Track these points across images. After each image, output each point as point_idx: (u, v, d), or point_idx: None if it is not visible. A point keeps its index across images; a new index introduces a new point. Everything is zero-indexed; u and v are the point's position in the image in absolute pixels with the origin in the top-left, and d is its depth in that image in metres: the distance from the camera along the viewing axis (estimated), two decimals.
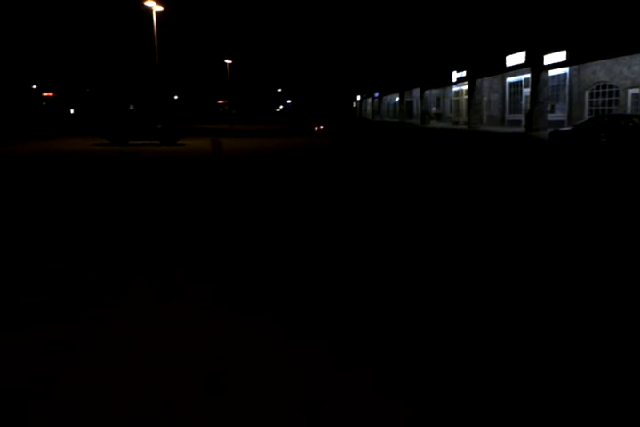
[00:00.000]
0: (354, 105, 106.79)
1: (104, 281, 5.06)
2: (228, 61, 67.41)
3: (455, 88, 50.22)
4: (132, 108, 79.51)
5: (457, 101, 50.45)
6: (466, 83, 44.08)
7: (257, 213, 8.54)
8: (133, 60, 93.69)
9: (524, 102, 37.26)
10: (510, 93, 39.96)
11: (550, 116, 33.55)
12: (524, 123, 35.45)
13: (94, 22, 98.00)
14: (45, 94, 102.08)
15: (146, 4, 32.34)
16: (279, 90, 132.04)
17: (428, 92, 55.93)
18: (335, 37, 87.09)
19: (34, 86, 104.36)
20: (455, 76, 44.65)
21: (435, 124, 52.51)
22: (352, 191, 10.78)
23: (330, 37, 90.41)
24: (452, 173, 13.52)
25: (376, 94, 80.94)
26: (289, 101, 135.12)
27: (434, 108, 59.49)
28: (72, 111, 79.71)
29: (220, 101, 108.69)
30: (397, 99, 69.51)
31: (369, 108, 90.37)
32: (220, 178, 11.98)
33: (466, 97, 45.73)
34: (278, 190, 10.84)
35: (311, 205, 9.13)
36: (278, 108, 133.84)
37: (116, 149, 22.20)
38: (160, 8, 33.08)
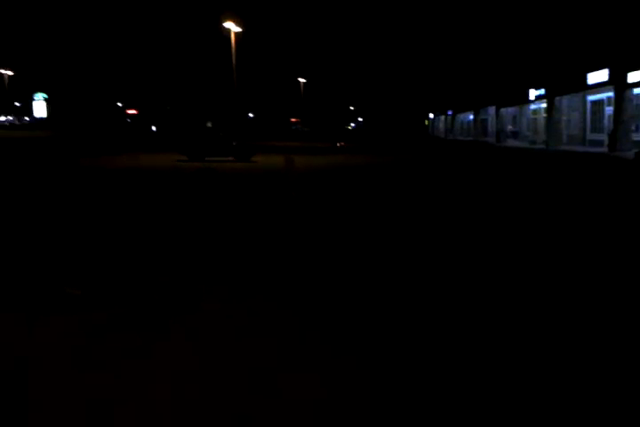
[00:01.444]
0: (426, 123, 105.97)
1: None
2: (301, 80, 68.80)
3: (533, 106, 48.83)
4: (209, 125, 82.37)
5: (535, 120, 49.01)
6: (544, 101, 42.80)
7: (316, 224, 8.58)
8: (212, 78, 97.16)
9: (606, 121, 35.70)
10: (592, 112, 38.41)
11: (635, 136, 31.96)
12: (606, 142, 33.93)
13: (175, 43, 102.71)
14: (130, 112, 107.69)
15: (225, 25, 33.61)
16: (351, 108, 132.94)
17: (503, 109, 54.71)
18: (409, 55, 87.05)
19: (119, 104, 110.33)
20: (533, 93, 43.47)
21: (511, 142, 51.18)
22: (402, 211, 10.63)
23: (403, 55, 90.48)
24: (530, 198, 13.05)
25: (449, 112, 79.96)
26: (360, 119, 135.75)
27: (510, 127, 58.05)
28: (154, 128, 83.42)
29: (293, 119, 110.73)
30: (471, 117, 68.35)
31: (442, 125, 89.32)
32: (291, 193, 12.17)
33: (544, 115, 44.35)
34: (337, 204, 10.94)
35: (361, 222, 9.08)
36: (350, 125, 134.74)
37: (194, 165, 23.03)
38: (238, 29, 34.26)
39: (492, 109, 59.89)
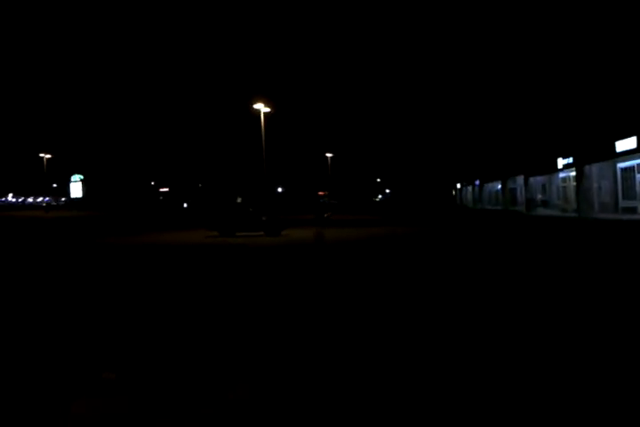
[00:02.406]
0: (453, 193, 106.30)
1: None
2: (329, 155, 70.32)
3: (562, 174, 48.70)
4: (239, 200, 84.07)
5: (564, 188, 48.68)
6: (573, 169, 42.68)
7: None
8: (242, 155, 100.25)
9: (638, 188, 35.18)
10: (623, 179, 38.00)
11: None
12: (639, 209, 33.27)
13: (206, 123, 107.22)
14: (162, 190, 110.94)
15: (255, 106, 35.00)
16: (378, 180, 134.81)
17: (532, 178, 54.64)
18: (435, 126, 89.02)
19: (152, 182, 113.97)
20: (561, 162, 43.46)
21: (541, 211, 50.63)
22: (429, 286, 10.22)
23: (429, 126, 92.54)
24: (572, 270, 12.52)
25: (477, 182, 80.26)
26: (388, 191, 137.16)
27: (539, 196, 57.69)
28: (185, 205, 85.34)
29: (321, 193, 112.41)
30: (499, 186, 68.35)
31: (469, 195, 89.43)
32: (320, 265, 11.93)
33: (574, 183, 44.05)
34: (360, 272, 10.66)
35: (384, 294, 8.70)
36: (377, 197, 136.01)
37: (225, 240, 23.09)
38: (267, 109, 35.59)
39: (520, 179, 59.90)
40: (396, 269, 12.89)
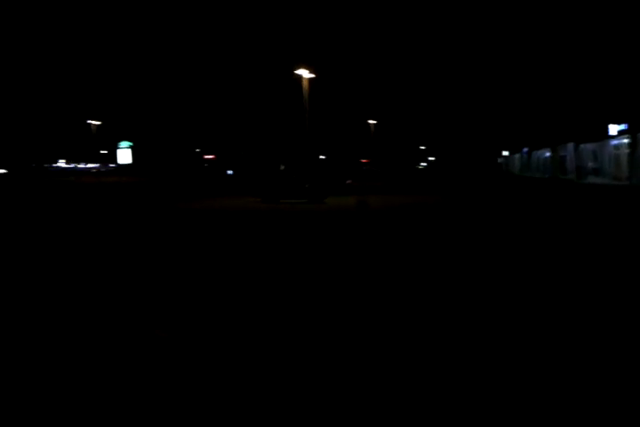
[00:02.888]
0: (499, 160, 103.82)
1: None
2: (371, 122, 69.51)
3: (615, 141, 46.85)
4: (282, 167, 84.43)
5: (617, 155, 46.89)
6: (627, 136, 41.00)
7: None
8: (285, 123, 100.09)
9: None
10: None
11: None
12: None
13: (250, 91, 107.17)
14: (207, 157, 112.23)
15: (297, 71, 34.73)
16: (422, 147, 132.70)
17: (582, 145, 52.79)
18: (483, 92, 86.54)
19: (198, 150, 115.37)
20: (614, 129, 41.81)
21: (592, 179, 49.04)
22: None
23: (475, 93, 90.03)
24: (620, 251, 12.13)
25: (525, 150, 78.04)
26: (432, 158, 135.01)
27: (590, 163, 55.76)
28: (230, 172, 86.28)
29: (364, 160, 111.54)
30: (548, 153, 66.34)
31: (517, 163, 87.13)
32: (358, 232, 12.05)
33: (627, 151, 42.38)
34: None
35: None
36: (421, 165, 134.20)
37: (270, 206, 23.52)
38: (310, 75, 35.26)
39: (570, 146, 57.93)
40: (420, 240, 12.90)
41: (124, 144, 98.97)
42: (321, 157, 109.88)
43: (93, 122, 79.29)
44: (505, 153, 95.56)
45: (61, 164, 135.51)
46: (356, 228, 15.02)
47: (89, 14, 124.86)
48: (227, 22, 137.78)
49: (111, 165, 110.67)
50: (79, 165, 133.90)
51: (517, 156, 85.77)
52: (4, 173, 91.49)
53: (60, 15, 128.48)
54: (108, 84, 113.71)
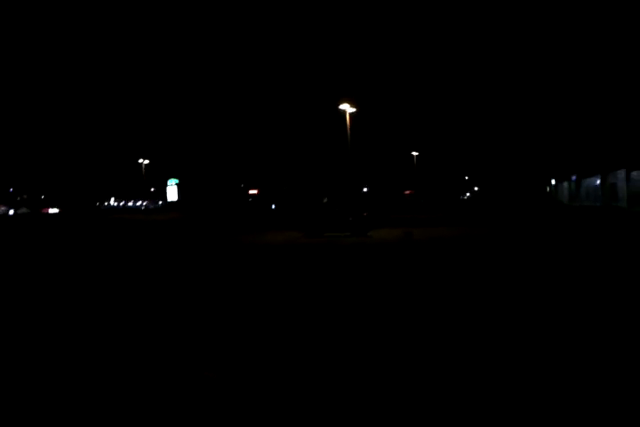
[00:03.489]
0: (547, 189, 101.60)
1: None
2: (414, 153, 69.41)
3: None
4: (325, 201, 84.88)
5: None
6: None
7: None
8: (327, 156, 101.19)
9: None
10: None
11: None
12: None
13: (291, 125, 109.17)
14: (251, 192, 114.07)
15: (340, 106, 35.21)
16: (466, 177, 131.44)
17: (635, 172, 51.17)
18: (525, 122, 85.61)
19: (242, 185, 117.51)
20: None
21: None
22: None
23: (519, 123, 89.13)
24: None
25: (573, 177, 76.19)
26: (476, 188, 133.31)
27: None
28: (273, 206, 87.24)
29: (407, 192, 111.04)
30: (598, 181, 64.54)
31: (565, 191, 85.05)
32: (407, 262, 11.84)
33: None
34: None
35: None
36: (465, 195, 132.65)
37: (312, 240, 23.48)
38: (353, 109, 35.68)
39: (622, 172, 56.24)
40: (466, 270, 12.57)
41: (172, 181, 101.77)
42: (364, 189, 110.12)
43: (143, 161, 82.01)
44: (553, 181, 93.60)
45: (112, 202, 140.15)
46: (402, 261, 14.81)
47: (137, 57, 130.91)
48: (269, 57, 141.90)
49: (159, 202, 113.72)
50: (129, 203, 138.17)
51: (566, 184, 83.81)
52: (57, 213, 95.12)
53: (108, 58, 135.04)
54: (157, 124, 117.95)
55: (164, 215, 68.19)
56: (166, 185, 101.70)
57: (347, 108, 34.96)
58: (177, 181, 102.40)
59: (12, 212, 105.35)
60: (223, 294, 10.41)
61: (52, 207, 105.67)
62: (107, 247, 23.41)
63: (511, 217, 39.00)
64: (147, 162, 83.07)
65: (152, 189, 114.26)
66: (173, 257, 18.30)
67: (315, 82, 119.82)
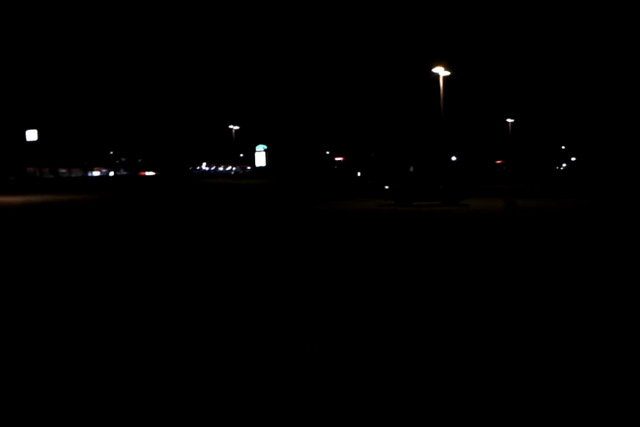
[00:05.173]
0: None
1: None
2: (509, 120, 66.16)
3: None
4: (411, 169, 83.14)
5: None
6: None
7: None
8: (415, 123, 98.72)
9: None
10: None
11: None
12: None
13: (381, 90, 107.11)
14: (337, 159, 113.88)
15: (434, 70, 33.77)
16: (563, 147, 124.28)
17: None
18: (623, 84, 79.11)
19: (328, 152, 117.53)
20: None
21: None
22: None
23: (616, 85, 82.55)
24: None
25: None
26: (573, 159, 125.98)
27: None
28: (359, 174, 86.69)
29: (498, 161, 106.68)
30: None
31: None
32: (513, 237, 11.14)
33: None
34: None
35: None
36: (561, 166, 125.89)
37: (401, 209, 22.95)
38: (447, 73, 34.13)
39: None
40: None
41: (261, 147, 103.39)
42: (452, 157, 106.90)
43: (234, 127, 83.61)
44: None
45: (204, 166, 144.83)
46: (505, 233, 14.05)
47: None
48: (359, 21, 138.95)
49: (248, 168, 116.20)
50: (219, 168, 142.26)
51: None
52: (154, 175, 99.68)
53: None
54: (249, 90, 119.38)
55: (251, 180, 69.60)
56: (255, 151, 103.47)
57: (440, 71, 33.40)
58: (265, 146, 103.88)
59: (112, 173, 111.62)
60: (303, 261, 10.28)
61: (149, 170, 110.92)
62: (195, 209, 24.11)
63: (610, 188, 36.41)
64: (237, 128, 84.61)
65: (241, 155, 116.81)
66: (253, 222, 18.48)
67: (406, 44, 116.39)
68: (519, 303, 6.87)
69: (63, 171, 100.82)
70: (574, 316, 6.32)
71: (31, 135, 79.98)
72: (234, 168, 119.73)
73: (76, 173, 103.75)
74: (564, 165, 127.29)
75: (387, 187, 26.18)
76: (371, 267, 9.50)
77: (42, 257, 11.18)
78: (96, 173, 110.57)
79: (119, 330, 6.00)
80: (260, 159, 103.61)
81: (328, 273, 9.00)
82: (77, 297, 7.55)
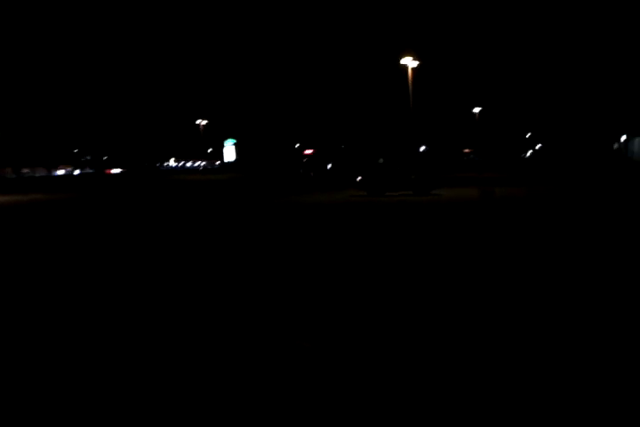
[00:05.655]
0: (615, 146, 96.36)
1: None
2: (476, 110, 66.81)
3: None
4: (381, 161, 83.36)
5: None
6: None
7: None
8: (385, 113, 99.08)
9: None
10: None
11: None
12: None
13: (348, 82, 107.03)
14: (307, 152, 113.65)
15: (403, 60, 33.77)
16: (528, 135, 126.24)
17: None
18: (590, 69, 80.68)
19: (297, 145, 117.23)
20: None
21: None
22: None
23: (584, 70, 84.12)
24: None
25: None
26: (538, 146, 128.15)
27: None
28: (329, 166, 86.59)
29: (466, 150, 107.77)
30: None
31: (637, 148, 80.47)
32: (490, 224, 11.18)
33: None
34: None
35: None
36: (526, 153, 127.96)
37: (373, 199, 22.93)
38: (415, 63, 34.17)
39: None
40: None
41: (229, 142, 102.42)
42: (421, 148, 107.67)
43: (201, 121, 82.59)
44: (623, 137, 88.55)
45: (171, 162, 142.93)
46: (482, 222, 14.14)
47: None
48: (328, 11, 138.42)
49: (217, 163, 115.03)
50: (187, 164, 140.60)
51: (638, 140, 79.15)
52: (120, 173, 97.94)
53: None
54: (215, 83, 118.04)
55: (220, 175, 68.91)
56: (223, 146, 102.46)
57: (409, 61, 33.39)
58: (234, 141, 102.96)
59: (77, 172, 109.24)
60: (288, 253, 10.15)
61: (115, 168, 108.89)
62: (166, 206, 23.68)
63: (573, 176, 37.13)
64: (205, 122, 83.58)
65: (210, 150, 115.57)
66: (225, 215, 18.23)
67: (375, 34, 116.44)
68: (516, 292, 6.87)
69: (26, 170, 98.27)
70: (567, 303, 6.34)
71: None
72: (202, 163, 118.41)
73: (40, 172, 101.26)
74: (530, 151, 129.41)
75: (358, 178, 26.14)
76: (352, 256, 9.42)
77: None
78: (61, 172, 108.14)
79: (104, 322, 5.80)
80: (230, 154, 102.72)
81: (308, 263, 8.88)
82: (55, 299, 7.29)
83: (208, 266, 9.27)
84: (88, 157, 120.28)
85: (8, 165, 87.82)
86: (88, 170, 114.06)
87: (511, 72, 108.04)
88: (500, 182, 30.91)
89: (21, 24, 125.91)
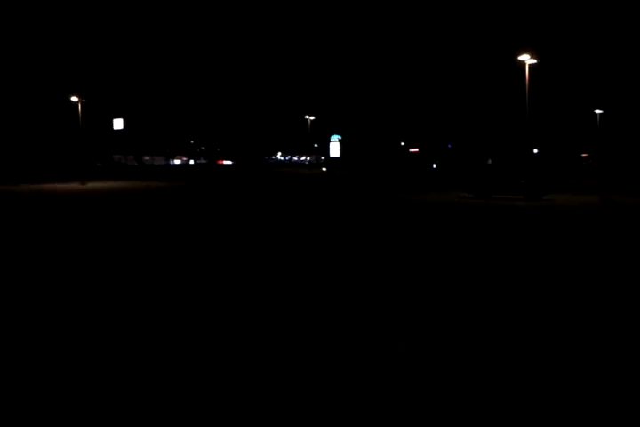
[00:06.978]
0: None
1: None
2: (598, 111, 62.50)
3: None
4: (489, 162, 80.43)
5: None
6: None
7: None
8: (497, 113, 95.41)
9: None
10: None
11: None
12: None
13: (461, 80, 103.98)
14: (412, 150, 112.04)
15: (520, 57, 32.19)
16: None
17: None
18: None
19: (402, 143, 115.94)
20: None
21: None
22: None
23: None
24: None
25: None
26: None
27: None
28: (434, 166, 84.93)
29: (584, 155, 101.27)
30: None
31: None
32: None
33: None
34: None
35: None
36: None
37: (480, 202, 22.12)
38: (533, 61, 32.46)
39: None
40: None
41: (335, 138, 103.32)
42: (534, 150, 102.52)
43: (309, 117, 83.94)
44: None
45: (279, 156, 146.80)
46: (602, 234, 13.18)
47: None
48: (442, 8, 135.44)
49: (322, 158, 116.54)
50: (294, 158, 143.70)
51: None
52: (231, 164, 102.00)
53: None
54: (325, 81, 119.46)
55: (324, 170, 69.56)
56: (329, 141, 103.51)
57: (526, 59, 31.68)
58: (339, 137, 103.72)
59: (192, 162, 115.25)
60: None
61: (227, 159, 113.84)
62: (272, 198, 24.25)
63: None
64: (312, 118, 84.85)
65: (315, 145, 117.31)
66: (346, 211, 18.31)
67: (491, 31, 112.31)
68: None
69: (147, 158, 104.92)
70: None
71: (118, 124, 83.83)
72: (308, 158, 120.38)
73: (159, 160, 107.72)
74: None
75: (463, 179, 25.40)
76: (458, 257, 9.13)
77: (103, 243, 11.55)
78: (177, 162, 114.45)
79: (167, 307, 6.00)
80: (335, 150, 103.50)
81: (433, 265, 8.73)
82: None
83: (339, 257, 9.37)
84: (203, 148, 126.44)
85: (131, 152, 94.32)
86: (202, 160, 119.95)
87: (637, 71, 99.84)
88: (624, 191, 28.65)
89: (138, 22, 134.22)
